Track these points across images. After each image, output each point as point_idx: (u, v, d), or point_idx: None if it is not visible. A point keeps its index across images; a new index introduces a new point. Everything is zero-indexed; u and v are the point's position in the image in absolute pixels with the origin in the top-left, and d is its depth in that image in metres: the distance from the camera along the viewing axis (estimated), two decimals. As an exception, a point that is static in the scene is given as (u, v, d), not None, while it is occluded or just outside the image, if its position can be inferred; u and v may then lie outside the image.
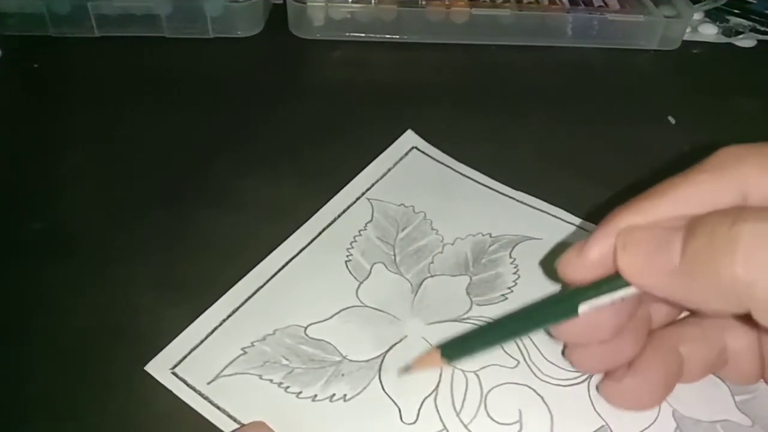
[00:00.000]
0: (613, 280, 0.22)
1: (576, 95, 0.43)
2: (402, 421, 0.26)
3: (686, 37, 0.47)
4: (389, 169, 0.36)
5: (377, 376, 0.27)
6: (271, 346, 0.28)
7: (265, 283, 0.30)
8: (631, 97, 0.43)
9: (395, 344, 0.28)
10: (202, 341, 0.28)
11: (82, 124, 0.39)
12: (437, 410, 0.26)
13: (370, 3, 0.45)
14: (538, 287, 0.30)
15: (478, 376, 0.27)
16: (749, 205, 0.20)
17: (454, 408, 0.26)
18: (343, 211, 0.33)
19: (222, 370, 0.27)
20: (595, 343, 0.24)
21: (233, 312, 0.29)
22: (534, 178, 0.36)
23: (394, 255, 0.32)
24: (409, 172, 0.36)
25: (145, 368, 0.27)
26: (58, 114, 0.39)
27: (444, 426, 0.25)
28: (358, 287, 0.30)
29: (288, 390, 0.26)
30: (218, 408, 0.26)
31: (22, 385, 0.26)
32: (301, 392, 0.26)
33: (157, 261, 0.31)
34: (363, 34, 0.46)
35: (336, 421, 0.26)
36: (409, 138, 0.38)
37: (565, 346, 0.27)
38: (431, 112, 0.40)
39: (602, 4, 0.47)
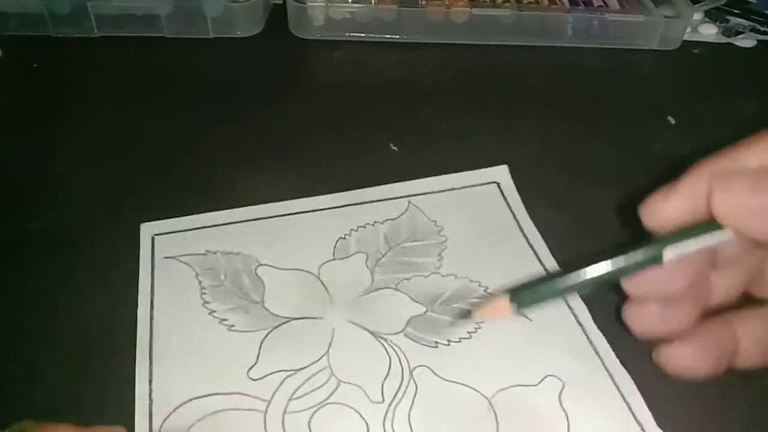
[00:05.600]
0: (699, 228, 0.22)
1: (576, 95, 0.43)
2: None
3: (686, 37, 0.47)
4: (453, 189, 0.35)
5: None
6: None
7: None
8: (631, 97, 0.43)
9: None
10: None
11: (82, 124, 0.39)
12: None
13: (370, 3, 0.45)
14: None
15: None
16: None
17: None
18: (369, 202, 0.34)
19: None
20: (659, 299, 0.24)
21: None
22: (533, 178, 0.36)
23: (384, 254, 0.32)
24: (471, 200, 0.35)
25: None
26: (57, 114, 0.39)
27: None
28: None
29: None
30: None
31: (21, 385, 0.26)
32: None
33: (157, 261, 0.31)
34: (363, 34, 0.46)
35: None
36: (499, 172, 0.36)
37: (623, 305, 0.26)
38: (431, 112, 0.40)
39: (602, 4, 0.47)
